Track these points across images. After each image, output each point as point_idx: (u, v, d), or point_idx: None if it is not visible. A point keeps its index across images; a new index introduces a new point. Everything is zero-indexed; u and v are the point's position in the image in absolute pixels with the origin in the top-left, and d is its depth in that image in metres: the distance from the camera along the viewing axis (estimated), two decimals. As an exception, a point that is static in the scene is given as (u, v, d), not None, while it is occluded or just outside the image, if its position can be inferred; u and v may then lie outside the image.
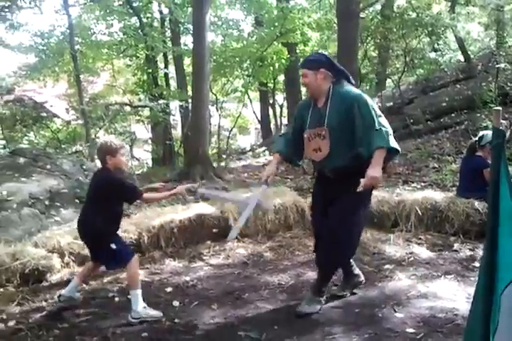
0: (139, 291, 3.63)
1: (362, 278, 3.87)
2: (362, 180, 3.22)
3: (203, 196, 3.80)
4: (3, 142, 6.66)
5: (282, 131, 4.22)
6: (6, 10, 12.67)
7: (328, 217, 3.50)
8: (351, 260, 3.78)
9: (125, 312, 3.69)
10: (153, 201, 3.77)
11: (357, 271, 3.86)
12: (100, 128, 11.96)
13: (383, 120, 3.36)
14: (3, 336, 3.40)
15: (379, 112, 3.38)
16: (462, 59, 14.25)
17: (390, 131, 3.34)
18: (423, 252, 4.86)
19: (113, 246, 3.65)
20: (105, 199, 3.66)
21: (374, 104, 3.43)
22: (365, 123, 3.29)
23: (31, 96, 13.62)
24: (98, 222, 3.66)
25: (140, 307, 3.58)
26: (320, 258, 3.62)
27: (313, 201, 3.84)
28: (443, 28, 11.95)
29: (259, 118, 20.12)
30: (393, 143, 3.30)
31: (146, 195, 3.74)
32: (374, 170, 3.21)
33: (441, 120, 11.36)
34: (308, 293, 3.69)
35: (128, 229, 5.12)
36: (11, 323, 3.61)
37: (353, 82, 3.63)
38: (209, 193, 4.43)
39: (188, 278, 4.45)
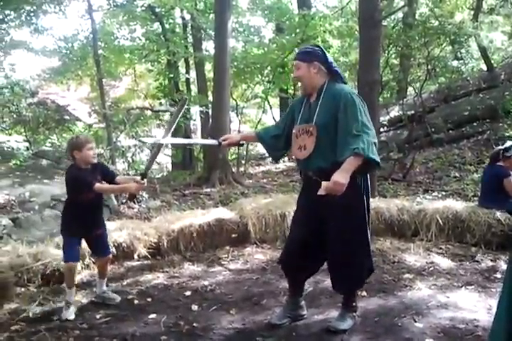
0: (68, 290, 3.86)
1: (305, 311, 3.61)
2: (324, 184, 3.00)
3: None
4: (27, 144, 6.76)
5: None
6: (32, 14, 12.87)
7: (329, 247, 3.26)
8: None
9: (145, 315, 3.73)
10: (104, 192, 3.84)
11: (302, 302, 3.61)
12: (121, 132, 12.06)
13: (368, 126, 3.05)
14: (23, 335, 3.44)
15: (366, 117, 3.09)
16: (485, 68, 14.13)
17: (374, 139, 3.04)
18: (444, 262, 4.82)
19: (62, 241, 3.92)
20: (67, 192, 3.92)
21: (364, 107, 3.15)
22: (348, 125, 3.03)
23: (54, 99, 13.83)
24: (63, 215, 3.99)
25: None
26: (337, 287, 3.42)
27: (297, 212, 3.53)
28: (466, 37, 11.86)
29: (279, 124, 20.08)
30: (372, 153, 2.97)
31: (97, 186, 3.71)
32: (340, 175, 2.94)
33: (463, 129, 11.28)
34: (340, 309, 3.49)
35: (148, 232, 5.17)
36: (32, 323, 3.65)
37: (346, 82, 3.42)
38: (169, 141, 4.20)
39: (206, 283, 4.46)
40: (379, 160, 3.06)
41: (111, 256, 4.21)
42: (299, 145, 3.29)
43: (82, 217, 3.82)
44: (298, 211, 3.52)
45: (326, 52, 3.33)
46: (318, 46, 3.37)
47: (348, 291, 3.43)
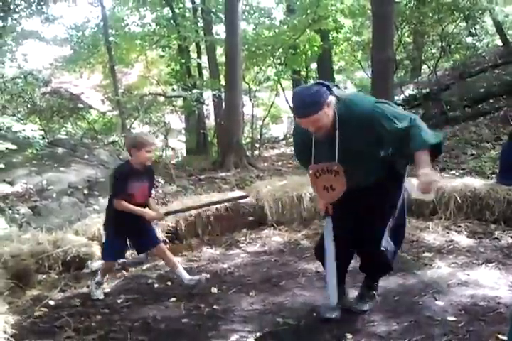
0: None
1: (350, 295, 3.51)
2: (412, 181, 2.78)
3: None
4: (42, 133, 6.83)
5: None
6: (42, 3, 12.83)
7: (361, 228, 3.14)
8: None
9: (165, 298, 3.77)
10: (123, 209, 3.69)
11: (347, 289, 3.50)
12: (135, 119, 12.07)
13: (409, 116, 2.80)
14: (47, 321, 3.50)
15: (397, 110, 2.86)
16: (500, 43, 13.87)
17: (421, 123, 2.79)
18: (463, 240, 4.78)
19: (104, 238, 4.05)
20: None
21: (388, 105, 2.87)
22: (396, 135, 2.77)
23: (67, 87, 13.81)
24: (107, 212, 3.97)
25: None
26: (365, 269, 3.42)
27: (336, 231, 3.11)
28: (480, 12, 11.66)
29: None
30: (432, 137, 2.76)
31: (121, 203, 3.70)
32: (424, 169, 2.65)
33: (479, 106, 11.12)
34: (360, 288, 3.45)
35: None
36: (55, 309, 3.71)
37: (338, 86, 2.97)
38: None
39: (225, 266, 4.49)
40: (440, 139, 2.84)
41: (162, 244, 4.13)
42: (323, 186, 3.00)
43: (127, 218, 3.75)
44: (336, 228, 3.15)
45: (316, 82, 2.89)
46: (306, 87, 2.85)
47: (375, 275, 3.42)
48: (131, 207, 3.74)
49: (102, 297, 3.88)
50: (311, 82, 21.90)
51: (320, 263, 4.29)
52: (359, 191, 2.96)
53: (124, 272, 4.45)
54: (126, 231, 3.84)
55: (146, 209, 3.83)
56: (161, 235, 5.05)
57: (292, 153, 12.00)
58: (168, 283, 4.15)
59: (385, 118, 2.76)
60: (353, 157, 2.85)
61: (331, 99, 2.76)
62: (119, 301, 3.81)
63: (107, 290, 4.03)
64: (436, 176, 2.76)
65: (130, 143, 3.84)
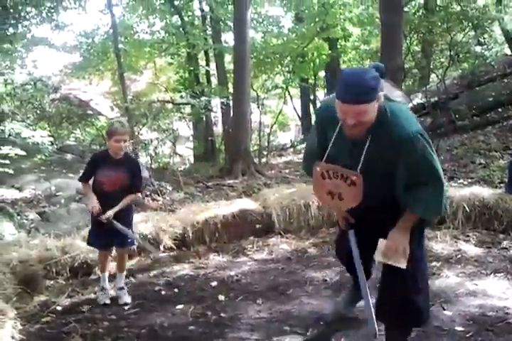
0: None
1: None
2: (381, 242, 2.55)
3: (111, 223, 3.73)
4: (51, 139, 6.87)
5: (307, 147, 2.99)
6: (52, 11, 12.97)
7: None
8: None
9: (172, 305, 3.76)
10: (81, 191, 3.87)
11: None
12: (143, 126, 12.12)
13: (441, 176, 2.43)
14: (54, 327, 3.50)
15: (437, 161, 2.42)
16: (509, 52, 13.84)
17: (444, 189, 2.44)
18: (471, 249, 4.75)
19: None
20: None
21: (431, 147, 2.41)
22: (419, 174, 2.38)
23: (76, 94, 13.95)
24: None
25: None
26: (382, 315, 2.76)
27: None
28: (489, 21, 11.65)
29: (300, 114, 20.05)
30: (436, 209, 2.48)
31: (82, 184, 3.91)
32: (397, 233, 2.48)
33: (488, 115, 11.09)
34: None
35: (173, 224, 5.22)
36: (62, 315, 3.71)
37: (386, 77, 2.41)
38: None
39: (232, 273, 4.48)
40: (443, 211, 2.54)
41: (130, 248, 4.18)
42: (328, 191, 2.55)
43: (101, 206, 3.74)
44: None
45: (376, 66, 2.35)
46: (375, 67, 2.32)
47: (398, 327, 2.79)
48: (87, 190, 3.83)
49: (108, 301, 3.88)
50: (319, 90, 21.77)
51: (327, 272, 4.31)
52: (371, 217, 2.65)
53: (131, 279, 4.45)
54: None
55: (93, 200, 3.74)
56: (168, 242, 5.08)
57: (299, 161, 12.03)
58: (176, 290, 4.15)
59: (426, 150, 2.34)
60: (374, 172, 2.42)
61: (381, 94, 2.28)
62: (126, 308, 3.81)
63: (113, 296, 4.03)
64: (404, 244, 2.48)
65: (106, 131, 3.88)
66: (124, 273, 4.08)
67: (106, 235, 3.80)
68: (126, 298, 3.90)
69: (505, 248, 4.75)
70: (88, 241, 4.03)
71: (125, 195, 3.78)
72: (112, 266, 4.28)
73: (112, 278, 4.13)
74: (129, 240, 3.93)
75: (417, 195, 2.42)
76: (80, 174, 3.93)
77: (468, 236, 5.12)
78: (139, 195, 4.04)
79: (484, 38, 12.78)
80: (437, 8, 11.82)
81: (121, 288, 3.97)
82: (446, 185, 2.49)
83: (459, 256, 4.58)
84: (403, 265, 2.49)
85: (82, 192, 3.68)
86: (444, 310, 3.42)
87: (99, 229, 3.80)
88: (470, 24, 11.45)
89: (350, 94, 2.18)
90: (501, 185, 6.56)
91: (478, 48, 12.49)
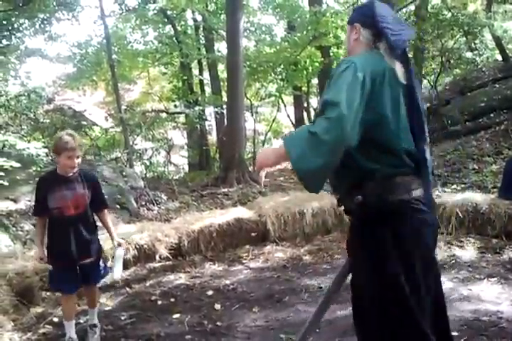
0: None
1: None
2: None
3: None
4: (46, 150, 6.85)
5: None
6: (45, 22, 13.00)
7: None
8: None
9: (168, 315, 3.78)
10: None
11: None
12: (138, 135, 12.17)
13: (331, 104, 1.77)
14: (51, 338, 3.52)
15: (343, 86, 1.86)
16: (500, 58, 13.97)
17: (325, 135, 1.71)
18: (465, 255, 4.79)
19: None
20: None
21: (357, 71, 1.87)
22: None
23: (70, 105, 13.95)
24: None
25: None
26: None
27: None
28: (479, 27, 11.76)
29: (294, 122, 20.12)
30: (293, 150, 1.78)
31: (39, 220, 3.27)
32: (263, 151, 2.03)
33: (480, 120, 11.16)
34: None
35: (168, 233, 5.23)
36: (59, 326, 3.71)
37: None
38: None
39: (228, 282, 4.50)
40: (305, 167, 1.76)
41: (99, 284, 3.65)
42: None
43: (63, 238, 3.15)
44: None
45: (381, 8, 2.13)
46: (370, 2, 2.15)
47: None
48: (39, 231, 3.25)
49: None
50: (312, 97, 21.77)
51: (323, 279, 4.32)
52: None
53: (127, 289, 4.46)
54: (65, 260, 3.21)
55: (40, 249, 3.21)
56: (163, 252, 5.09)
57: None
58: (172, 299, 4.17)
59: (338, 70, 1.92)
60: None
61: (362, 33, 2.15)
62: (122, 318, 3.83)
63: (110, 307, 4.04)
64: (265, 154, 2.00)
65: (52, 146, 3.19)
66: (97, 308, 3.55)
67: (74, 277, 3.24)
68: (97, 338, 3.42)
69: (499, 253, 4.80)
70: (55, 287, 3.42)
71: (91, 215, 3.30)
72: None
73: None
74: (102, 271, 3.41)
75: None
76: (33, 207, 3.32)
77: (461, 241, 5.17)
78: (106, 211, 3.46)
79: (475, 44, 12.90)
80: (428, 15, 11.92)
81: (94, 326, 3.45)
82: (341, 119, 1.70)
83: (453, 261, 4.62)
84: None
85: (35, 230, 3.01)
86: (439, 315, 3.44)
87: (66, 273, 3.21)
88: (461, 30, 11.58)
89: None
90: (494, 190, 6.61)
91: (469, 54, 12.61)
